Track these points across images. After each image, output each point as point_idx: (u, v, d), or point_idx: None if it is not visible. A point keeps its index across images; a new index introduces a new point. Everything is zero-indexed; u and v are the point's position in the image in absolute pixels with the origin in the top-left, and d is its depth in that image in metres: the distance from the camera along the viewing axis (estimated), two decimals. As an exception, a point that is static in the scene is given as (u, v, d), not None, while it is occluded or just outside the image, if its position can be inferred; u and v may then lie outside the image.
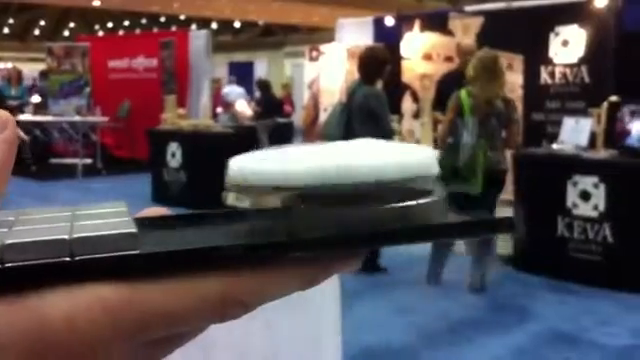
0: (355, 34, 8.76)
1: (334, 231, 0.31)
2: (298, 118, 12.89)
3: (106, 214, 0.31)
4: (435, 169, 0.34)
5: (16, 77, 12.29)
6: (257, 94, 12.40)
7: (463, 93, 4.63)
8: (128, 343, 0.28)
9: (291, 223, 0.31)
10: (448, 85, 5.69)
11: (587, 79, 6.37)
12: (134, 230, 0.29)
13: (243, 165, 0.33)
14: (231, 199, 0.34)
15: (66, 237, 0.28)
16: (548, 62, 6.60)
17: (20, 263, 0.27)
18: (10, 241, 0.27)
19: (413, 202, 0.32)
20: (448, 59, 7.29)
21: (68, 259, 0.27)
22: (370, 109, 4.89)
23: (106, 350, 0.28)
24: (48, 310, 0.26)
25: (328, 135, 5.19)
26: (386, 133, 5.06)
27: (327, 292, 1.78)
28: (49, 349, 0.26)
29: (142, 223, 0.30)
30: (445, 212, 0.33)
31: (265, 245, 0.30)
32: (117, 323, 0.27)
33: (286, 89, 13.70)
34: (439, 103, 5.85)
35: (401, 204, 0.32)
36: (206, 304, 0.29)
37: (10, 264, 0.27)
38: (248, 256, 0.30)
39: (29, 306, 0.26)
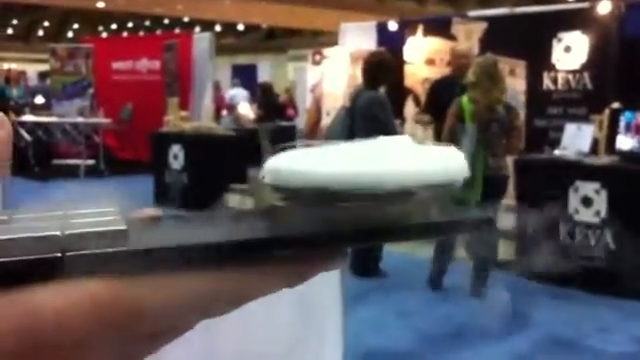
0: (358, 38, 8.78)
1: (317, 229, 0.31)
2: (301, 121, 12.89)
3: (97, 213, 0.31)
4: (446, 177, 0.35)
5: (16, 78, 12.32)
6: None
7: (464, 99, 4.63)
8: (116, 337, 0.29)
9: (277, 222, 0.32)
10: (441, 90, 5.69)
11: (589, 85, 6.38)
12: (124, 227, 0.29)
13: (277, 165, 0.34)
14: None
15: (58, 233, 0.28)
16: (551, 68, 6.61)
17: (13, 259, 0.27)
18: (3, 237, 0.28)
19: (395, 204, 0.33)
20: (450, 64, 7.30)
21: (59, 255, 0.28)
22: (372, 115, 4.89)
23: (95, 344, 0.28)
24: (39, 304, 0.27)
25: (332, 140, 5.19)
26: None
27: (329, 296, 1.78)
28: (39, 342, 0.27)
29: (132, 222, 0.30)
30: (429, 212, 0.34)
31: (251, 242, 0.30)
32: (106, 318, 0.28)
33: (289, 93, 13.69)
34: (431, 107, 5.82)
35: (383, 205, 0.33)
36: (193, 301, 0.30)
37: (3, 259, 0.27)
38: (235, 254, 0.30)
39: (20, 300, 0.27)
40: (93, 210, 0.32)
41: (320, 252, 0.33)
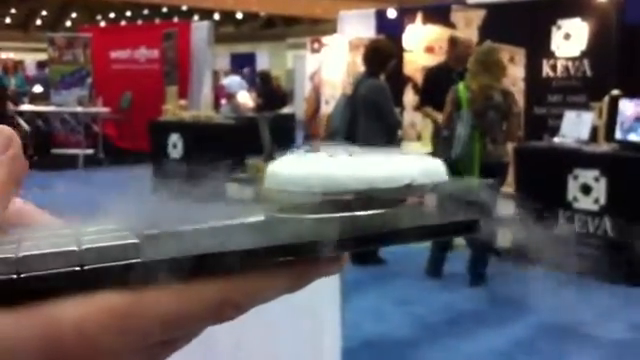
0: (357, 26, 8.76)
1: (318, 236, 0.32)
2: (299, 110, 12.87)
3: (107, 230, 0.32)
4: (433, 178, 0.36)
5: (13, 67, 12.29)
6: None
7: (461, 86, 4.63)
8: (133, 346, 0.30)
9: (279, 230, 0.33)
10: (436, 78, 5.65)
11: (589, 72, 6.36)
12: (136, 240, 0.30)
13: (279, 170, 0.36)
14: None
15: (75, 248, 0.29)
16: (550, 55, 6.60)
17: (33, 273, 0.28)
18: (24, 254, 0.28)
19: (389, 209, 0.34)
20: (448, 52, 7.28)
21: (78, 269, 0.29)
22: (374, 102, 4.90)
23: (114, 354, 0.29)
24: (60, 317, 0.28)
25: (333, 128, 5.23)
26: (391, 126, 5.09)
27: (327, 284, 1.79)
28: (61, 354, 0.28)
29: (141, 236, 0.32)
30: (421, 216, 0.36)
31: (257, 250, 0.32)
32: (124, 328, 0.29)
33: (277, 81, 13.57)
34: (426, 95, 5.77)
35: (377, 211, 0.34)
36: (205, 307, 0.31)
37: (24, 275, 0.28)
38: (242, 261, 0.31)
39: (42, 313, 0.28)
40: (103, 227, 0.33)
41: (319, 258, 0.34)
